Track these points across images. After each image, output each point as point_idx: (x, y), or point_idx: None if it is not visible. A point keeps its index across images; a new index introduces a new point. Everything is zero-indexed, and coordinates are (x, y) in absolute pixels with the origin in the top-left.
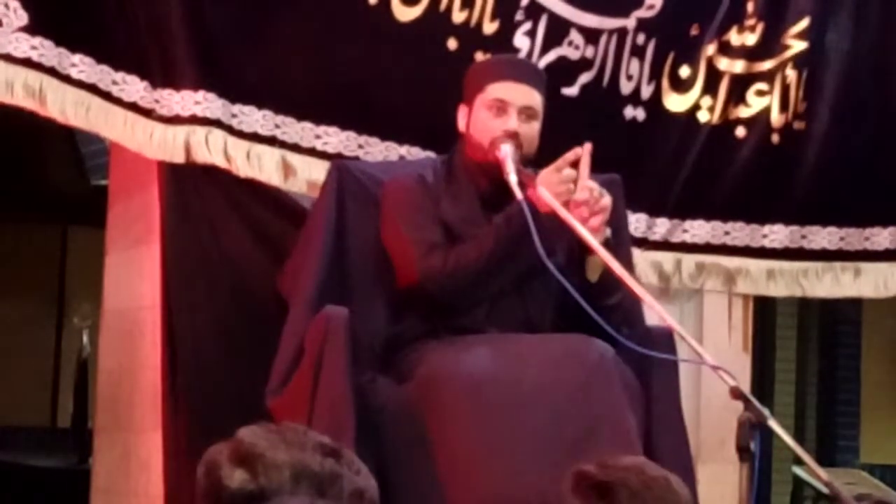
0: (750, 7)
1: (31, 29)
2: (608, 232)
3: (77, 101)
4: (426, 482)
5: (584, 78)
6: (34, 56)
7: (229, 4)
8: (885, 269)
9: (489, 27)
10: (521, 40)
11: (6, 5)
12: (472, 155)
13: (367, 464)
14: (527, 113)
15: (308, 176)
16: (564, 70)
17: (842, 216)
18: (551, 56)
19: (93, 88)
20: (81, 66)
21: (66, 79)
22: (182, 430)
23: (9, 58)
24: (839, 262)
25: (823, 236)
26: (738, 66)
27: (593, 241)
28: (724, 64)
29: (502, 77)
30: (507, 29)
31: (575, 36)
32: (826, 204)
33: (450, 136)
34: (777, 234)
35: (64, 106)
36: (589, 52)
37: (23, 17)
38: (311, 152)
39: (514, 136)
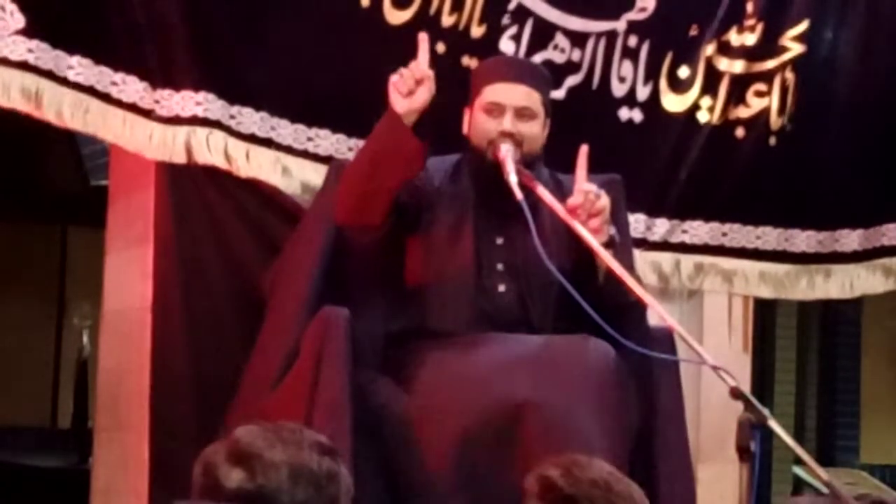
0: (750, 7)
1: (28, 32)
2: (612, 230)
3: (75, 103)
4: (425, 482)
5: (571, 81)
6: (30, 59)
7: (228, 5)
8: (851, 271)
9: (476, 31)
10: (506, 44)
11: (3, 8)
12: (473, 157)
13: (367, 463)
14: (523, 113)
15: (302, 177)
16: (550, 73)
17: (820, 219)
18: (536, 60)
19: (91, 90)
20: (79, 67)
21: (64, 81)
22: (172, 430)
23: (5, 61)
24: (814, 265)
25: (802, 239)
26: (738, 66)
27: (594, 243)
28: (723, 64)
29: (497, 79)
30: (494, 33)
31: (561, 39)
32: (806, 207)
33: (436, 139)
34: (768, 237)
35: (61, 108)
36: (575, 55)
37: (20, 20)
38: (304, 154)
39: (509, 137)
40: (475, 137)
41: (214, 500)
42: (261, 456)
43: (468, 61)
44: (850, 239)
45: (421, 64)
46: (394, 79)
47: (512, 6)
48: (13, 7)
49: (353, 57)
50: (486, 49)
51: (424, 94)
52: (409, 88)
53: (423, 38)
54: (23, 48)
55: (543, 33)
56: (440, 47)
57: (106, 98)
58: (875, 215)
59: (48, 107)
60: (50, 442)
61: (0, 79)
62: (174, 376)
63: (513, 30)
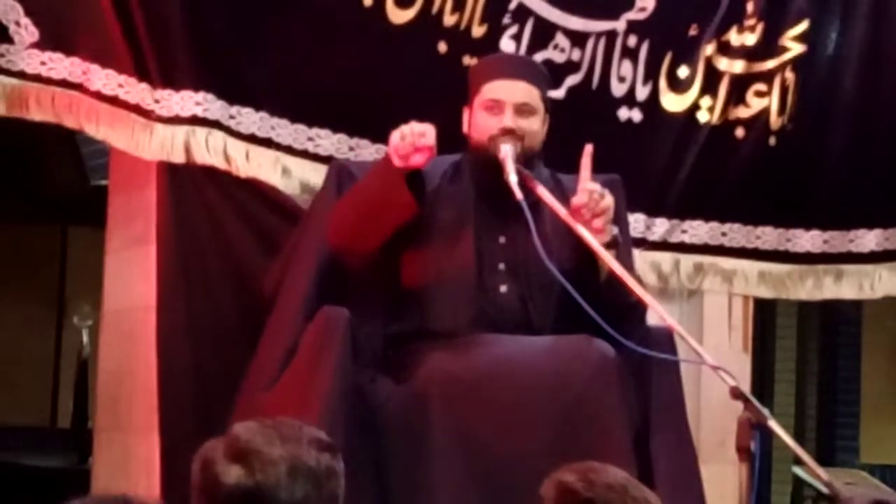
0: (750, 7)
1: (42, 45)
2: (615, 230)
3: (90, 109)
4: (424, 481)
5: (571, 80)
6: (43, 71)
7: (228, 5)
8: (869, 271)
9: (478, 30)
10: (507, 44)
11: (17, 23)
12: (473, 156)
13: (366, 463)
14: (523, 109)
15: (302, 177)
16: (550, 73)
17: (825, 219)
18: (536, 59)
19: (98, 95)
20: (90, 73)
21: (78, 87)
22: (179, 429)
23: (22, 74)
24: (822, 265)
25: (807, 239)
26: (738, 66)
27: (595, 244)
28: (723, 64)
29: (496, 76)
30: (495, 32)
31: (561, 39)
32: (809, 207)
33: (437, 138)
34: (768, 237)
35: (78, 115)
36: (575, 54)
37: (34, 34)
38: (304, 154)
39: (510, 133)
40: (475, 135)
41: (213, 496)
42: (259, 452)
43: (469, 61)
44: (867, 239)
45: (427, 135)
46: (394, 139)
47: (512, 6)
48: (27, 21)
49: (355, 56)
50: (487, 49)
51: (420, 160)
52: (407, 154)
53: (431, 128)
54: (37, 61)
55: (544, 33)
56: (441, 47)
57: (114, 101)
58: (894, 216)
59: (65, 115)
60: (50, 442)
61: (19, 91)
62: (178, 375)
63: (513, 29)
